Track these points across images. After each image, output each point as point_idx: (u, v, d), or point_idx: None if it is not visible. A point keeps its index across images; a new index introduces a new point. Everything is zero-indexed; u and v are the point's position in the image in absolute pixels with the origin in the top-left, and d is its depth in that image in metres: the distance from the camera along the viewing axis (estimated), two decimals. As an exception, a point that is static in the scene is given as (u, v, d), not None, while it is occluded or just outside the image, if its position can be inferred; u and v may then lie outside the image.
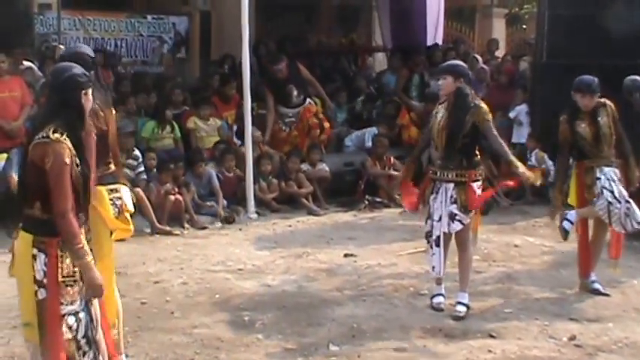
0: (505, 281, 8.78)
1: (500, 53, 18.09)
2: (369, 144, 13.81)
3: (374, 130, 14.18)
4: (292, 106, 13.43)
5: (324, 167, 13.07)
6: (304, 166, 12.96)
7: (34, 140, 4.70)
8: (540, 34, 14.11)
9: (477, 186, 7.62)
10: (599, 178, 8.19)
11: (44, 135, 4.68)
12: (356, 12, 21.35)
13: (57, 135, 4.67)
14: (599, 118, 8.27)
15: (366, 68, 18.89)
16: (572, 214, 8.45)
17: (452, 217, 7.57)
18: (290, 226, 11.53)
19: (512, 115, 14.01)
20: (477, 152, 7.70)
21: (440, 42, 18.62)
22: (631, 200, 8.18)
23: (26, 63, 12.83)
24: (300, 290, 8.43)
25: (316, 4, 20.75)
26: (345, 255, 9.74)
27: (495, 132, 7.61)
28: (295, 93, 13.35)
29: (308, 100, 13.58)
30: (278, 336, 7.06)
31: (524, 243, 10.40)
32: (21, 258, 4.84)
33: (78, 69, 4.89)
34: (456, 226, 7.60)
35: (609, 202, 8.10)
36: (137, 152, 11.75)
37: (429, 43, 18.33)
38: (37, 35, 15.41)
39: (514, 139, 14.00)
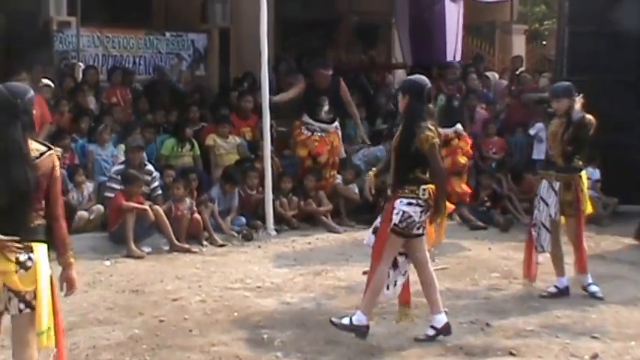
0: (526, 298, 8.70)
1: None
2: (381, 154, 13.80)
3: (381, 148, 14.15)
4: (318, 119, 13.14)
5: (354, 188, 13.03)
6: (338, 179, 12.97)
7: (44, 153, 5.14)
8: (560, 51, 14.07)
9: (402, 203, 7.16)
10: None
11: (47, 147, 5.19)
12: (375, 29, 21.37)
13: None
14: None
15: (386, 85, 18.84)
16: None
17: (374, 230, 7.45)
18: (309, 243, 11.48)
19: (532, 132, 13.95)
20: (418, 171, 7.23)
21: (459, 58, 18.55)
22: None
23: (44, 80, 12.84)
24: (319, 308, 8.37)
25: (335, 21, 20.78)
26: (365, 272, 9.56)
27: (438, 157, 7.25)
28: (327, 108, 13.06)
29: (336, 123, 13.32)
30: (297, 354, 7.00)
31: (545, 260, 10.24)
32: (43, 266, 5.10)
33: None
34: (370, 240, 7.45)
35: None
36: (150, 167, 11.73)
37: (449, 59, 18.28)
38: (56, 53, 15.47)
39: (534, 156, 13.95)
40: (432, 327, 7.37)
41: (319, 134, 13.00)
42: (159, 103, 14.09)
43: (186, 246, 10.91)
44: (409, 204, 7.11)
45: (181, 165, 12.59)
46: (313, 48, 19.36)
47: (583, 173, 8.85)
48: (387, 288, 7.42)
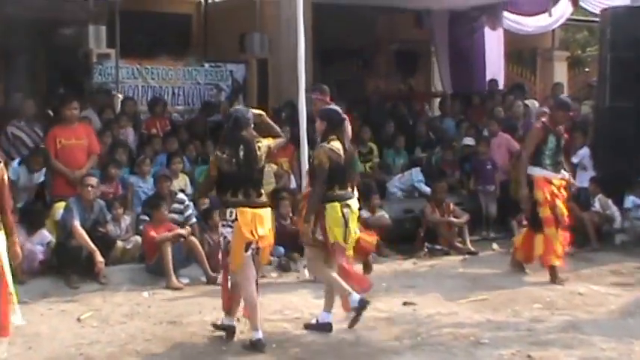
0: (569, 330, 8.53)
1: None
2: (419, 183, 13.73)
3: (417, 169, 14.06)
4: None
5: (384, 214, 12.92)
6: (364, 213, 12.82)
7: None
8: (602, 77, 13.95)
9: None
10: None
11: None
12: (414, 57, 21.33)
13: None
14: None
15: (425, 114, 18.78)
16: None
17: None
18: (348, 274, 11.35)
19: (575, 160, 13.77)
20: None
21: (500, 86, 18.47)
22: None
23: (84, 112, 12.89)
24: (358, 339, 8.26)
25: (374, 50, 20.76)
26: (405, 303, 9.57)
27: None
28: None
29: None
30: (335, 386, 6.91)
31: (589, 291, 10.13)
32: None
33: None
34: None
35: None
36: (182, 195, 11.74)
37: (488, 87, 18.22)
38: (96, 84, 15.56)
39: (578, 184, 13.76)
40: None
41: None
42: (197, 134, 14.10)
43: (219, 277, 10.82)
44: (223, 226, 8.14)
45: (217, 193, 12.58)
46: (352, 77, 19.37)
47: None
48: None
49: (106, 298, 9.97)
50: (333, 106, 9.04)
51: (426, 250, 12.56)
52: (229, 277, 8.26)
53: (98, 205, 11.04)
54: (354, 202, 8.61)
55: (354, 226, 8.58)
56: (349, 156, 8.57)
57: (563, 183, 10.95)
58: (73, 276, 10.51)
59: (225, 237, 8.08)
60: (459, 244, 12.78)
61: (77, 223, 10.57)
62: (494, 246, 13.12)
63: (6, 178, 7.28)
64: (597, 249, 12.52)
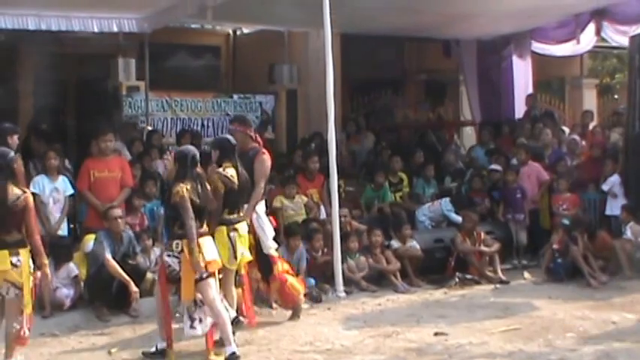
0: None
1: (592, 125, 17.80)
2: (448, 212, 13.68)
3: (447, 199, 14.03)
4: None
5: (414, 244, 12.88)
6: (394, 244, 12.80)
7: (20, 196, 7.95)
8: (632, 104, 13.88)
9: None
10: None
11: (23, 191, 8.03)
12: (443, 87, 21.32)
13: None
14: None
15: (454, 143, 18.74)
16: None
17: None
18: (379, 304, 11.32)
19: (605, 187, 13.71)
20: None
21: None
22: None
23: (113, 145, 12.92)
24: (389, 370, 8.23)
25: (403, 79, 20.79)
26: (436, 334, 9.51)
27: (184, 212, 8.40)
28: None
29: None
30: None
31: (623, 320, 10.04)
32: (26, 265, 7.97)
33: None
34: None
35: None
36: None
37: (518, 116, 18.18)
38: (126, 117, 15.65)
39: (607, 212, 13.73)
40: None
41: None
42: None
43: (255, 308, 10.78)
44: (168, 256, 8.55)
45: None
46: (381, 107, 19.39)
47: None
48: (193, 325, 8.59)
49: (137, 330, 9.98)
50: (226, 135, 9.77)
51: (456, 279, 12.48)
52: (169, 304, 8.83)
53: (127, 237, 11.05)
54: (242, 226, 9.17)
55: (242, 248, 9.14)
56: (243, 182, 9.15)
57: None
58: (104, 309, 10.54)
59: (170, 266, 8.55)
60: (490, 273, 12.70)
61: (109, 255, 10.59)
62: (526, 274, 13.05)
63: (32, 205, 8.08)
64: (630, 277, 12.40)
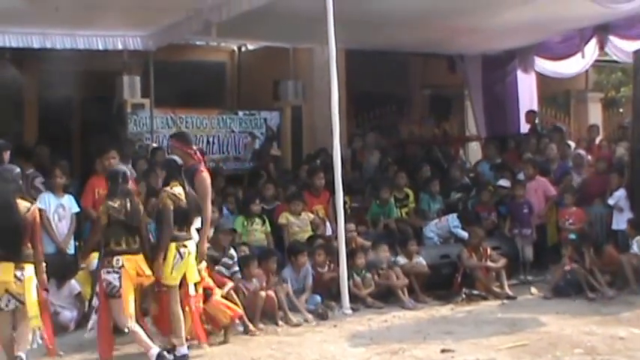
0: (611, 376, 8.42)
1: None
2: (455, 229, 13.64)
3: (454, 215, 13.99)
4: None
5: (421, 261, 12.84)
6: (401, 260, 12.76)
7: (30, 208, 8.44)
8: (637, 118, 13.85)
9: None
10: None
11: (31, 203, 8.57)
12: (448, 102, 21.33)
13: None
14: None
15: (460, 158, 18.74)
16: None
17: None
18: (386, 321, 11.27)
19: (611, 202, 13.67)
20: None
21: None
22: None
23: (115, 163, 12.92)
24: (396, 388, 8.19)
25: (408, 95, 20.79)
26: (443, 350, 9.46)
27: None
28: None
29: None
30: None
31: (630, 335, 9.98)
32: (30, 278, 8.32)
33: None
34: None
35: None
36: (233, 251, 11.61)
37: (523, 130, 18.17)
38: (131, 134, 15.66)
39: (614, 226, 13.68)
40: None
41: None
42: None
43: (261, 326, 10.76)
44: (108, 272, 8.90)
45: (254, 241, 12.59)
46: (387, 122, 19.38)
47: None
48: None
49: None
50: (172, 156, 9.99)
51: (463, 295, 12.44)
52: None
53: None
54: (191, 243, 9.39)
55: (190, 264, 9.32)
56: (191, 200, 9.39)
57: None
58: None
59: (110, 282, 8.89)
60: (497, 289, 12.66)
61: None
62: (533, 290, 12.99)
63: (38, 218, 8.57)
64: (637, 291, 12.35)
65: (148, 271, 9.00)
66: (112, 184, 9.27)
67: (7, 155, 10.54)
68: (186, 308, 9.37)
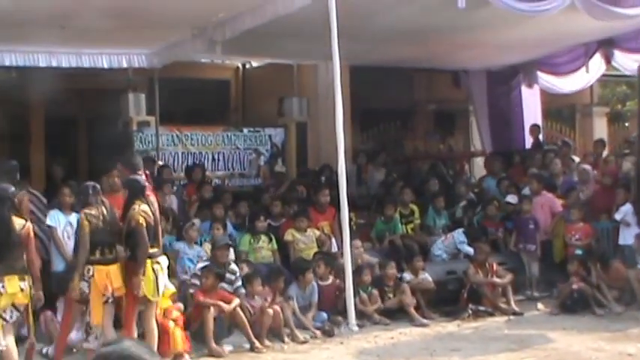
0: (619, 392, 8.38)
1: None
2: (461, 244, 13.62)
3: (460, 231, 13.96)
4: None
5: (427, 277, 12.80)
6: (407, 276, 12.73)
7: (24, 225, 8.64)
8: (642, 131, 13.84)
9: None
10: None
11: (25, 221, 8.75)
12: (453, 117, 21.32)
13: None
14: None
15: (465, 173, 18.71)
16: None
17: None
18: (392, 337, 11.24)
19: (617, 217, 13.62)
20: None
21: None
22: None
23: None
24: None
25: (413, 111, 20.78)
26: (450, 367, 9.45)
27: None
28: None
29: None
30: None
31: (639, 351, 9.93)
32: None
33: None
34: None
35: None
36: (234, 266, 11.61)
37: (528, 145, 18.16)
38: (137, 152, 15.65)
39: (621, 241, 13.61)
40: None
41: None
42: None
43: (267, 343, 10.73)
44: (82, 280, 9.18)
45: (260, 259, 12.57)
46: (391, 138, 19.38)
47: None
48: None
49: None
50: (135, 177, 9.99)
51: (469, 311, 12.40)
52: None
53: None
54: (163, 260, 9.60)
55: (162, 281, 9.49)
56: (156, 218, 9.58)
57: None
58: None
59: (84, 292, 9.21)
60: (504, 305, 12.62)
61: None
62: (539, 306, 12.95)
63: (32, 235, 8.79)
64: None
65: (117, 283, 9.20)
66: (83, 197, 9.58)
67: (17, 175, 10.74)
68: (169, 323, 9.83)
